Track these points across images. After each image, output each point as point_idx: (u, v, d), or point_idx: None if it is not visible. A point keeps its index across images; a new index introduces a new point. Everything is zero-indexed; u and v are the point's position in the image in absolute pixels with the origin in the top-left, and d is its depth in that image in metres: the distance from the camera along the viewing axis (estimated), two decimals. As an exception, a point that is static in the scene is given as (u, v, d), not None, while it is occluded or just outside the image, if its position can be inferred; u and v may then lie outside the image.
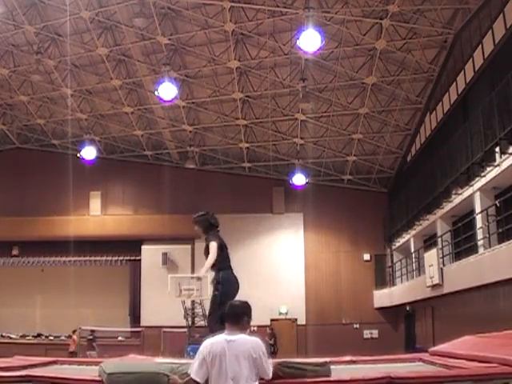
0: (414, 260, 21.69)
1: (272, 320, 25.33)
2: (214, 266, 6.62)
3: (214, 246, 6.63)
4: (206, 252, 6.76)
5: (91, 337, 22.56)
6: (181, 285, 23.28)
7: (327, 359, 5.29)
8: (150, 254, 26.83)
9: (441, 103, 19.15)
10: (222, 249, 6.73)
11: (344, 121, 22.95)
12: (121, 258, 27.12)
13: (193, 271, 26.17)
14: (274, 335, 23.16)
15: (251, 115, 23.30)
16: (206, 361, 4.17)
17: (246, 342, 4.21)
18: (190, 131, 24.89)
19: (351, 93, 21.26)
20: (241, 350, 4.15)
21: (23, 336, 26.02)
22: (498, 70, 14.25)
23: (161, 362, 5.92)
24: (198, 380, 4.18)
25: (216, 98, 22.53)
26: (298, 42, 16.40)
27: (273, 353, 21.32)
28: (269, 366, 4.33)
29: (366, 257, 26.61)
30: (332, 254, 26.65)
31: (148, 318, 25.94)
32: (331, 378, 4.90)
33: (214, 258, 6.50)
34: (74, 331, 22.97)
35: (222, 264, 6.67)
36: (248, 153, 26.13)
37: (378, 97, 21.19)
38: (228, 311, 4.45)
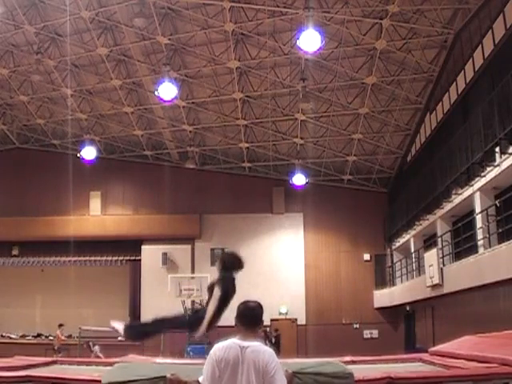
0: (413, 260, 21.69)
1: (272, 320, 25.32)
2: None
3: (216, 297, 5.69)
4: (209, 290, 5.93)
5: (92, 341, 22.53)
6: (181, 285, 23.29)
7: (348, 368, 5.03)
8: (150, 253, 26.83)
9: (441, 103, 19.15)
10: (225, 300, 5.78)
11: (344, 121, 22.95)
12: (121, 258, 27.11)
13: (193, 271, 26.20)
14: (278, 337, 22.75)
15: (251, 115, 23.30)
16: (217, 367, 3.79)
17: (260, 351, 3.80)
18: (190, 131, 24.89)
19: (351, 93, 21.25)
20: (255, 359, 3.76)
21: (23, 336, 26.00)
22: (497, 70, 14.25)
23: (161, 363, 5.91)
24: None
25: (216, 97, 22.53)
26: (298, 42, 16.38)
27: None
28: (283, 381, 3.85)
29: (366, 257, 26.61)
30: (332, 254, 26.65)
31: (148, 318, 25.92)
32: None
33: (211, 316, 5.68)
34: (59, 325, 22.71)
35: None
36: (248, 153, 26.13)
37: (378, 97, 21.18)
38: (244, 313, 3.95)
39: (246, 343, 3.82)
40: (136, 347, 22.59)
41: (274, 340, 22.24)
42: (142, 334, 6.19)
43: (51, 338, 25.42)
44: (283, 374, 3.87)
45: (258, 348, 3.81)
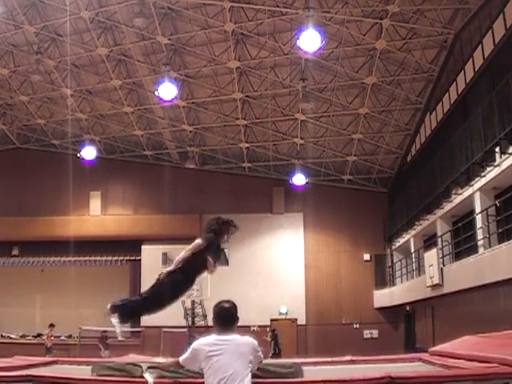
0: (413, 260, 21.69)
1: (272, 320, 25.34)
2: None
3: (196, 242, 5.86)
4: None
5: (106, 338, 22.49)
6: (181, 285, 23.26)
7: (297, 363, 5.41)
8: (150, 253, 26.82)
9: (441, 103, 19.15)
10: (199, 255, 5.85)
11: (344, 121, 22.95)
12: (121, 258, 27.12)
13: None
14: (276, 336, 22.63)
15: (251, 115, 23.30)
16: (197, 356, 4.30)
17: (241, 342, 4.31)
18: (190, 131, 24.89)
19: (351, 93, 21.25)
20: (237, 349, 4.24)
21: (23, 336, 26.00)
22: (497, 70, 14.26)
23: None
24: (183, 365, 4.46)
25: (216, 97, 22.53)
26: (298, 42, 16.40)
27: (274, 354, 21.18)
28: (261, 359, 4.55)
29: (366, 257, 26.60)
30: (332, 254, 26.65)
31: (148, 317, 25.89)
32: (332, 378, 4.89)
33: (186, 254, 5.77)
34: (50, 325, 22.63)
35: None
36: (248, 153, 26.14)
37: (378, 97, 21.19)
38: (221, 313, 4.44)
39: (226, 337, 4.30)
40: (136, 347, 22.64)
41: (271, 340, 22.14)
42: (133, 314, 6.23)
43: (51, 338, 25.45)
44: None
45: (238, 339, 4.30)
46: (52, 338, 22.37)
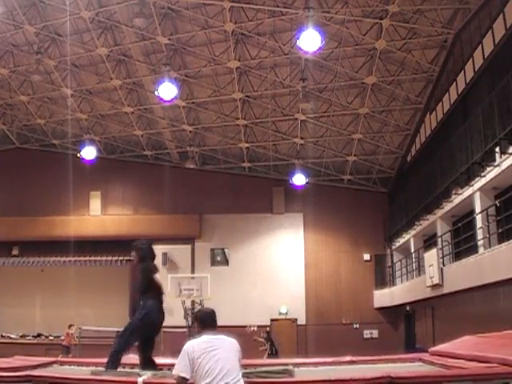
0: (414, 260, 21.69)
1: (272, 320, 25.34)
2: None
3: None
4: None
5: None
6: (181, 285, 23.29)
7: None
8: (150, 254, 26.79)
9: (441, 103, 19.15)
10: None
11: (344, 121, 22.95)
12: (121, 258, 27.07)
13: (193, 271, 26.20)
14: (270, 339, 22.52)
15: (251, 115, 23.30)
16: (192, 359, 4.51)
17: (231, 339, 4.76)
18: (190, 131, 24.89)
19: (351, 93, 21.25)
20: (231, 345, 4.70)
21: (23, 336, 25.99)
22: (497, 70, 14.25)
23: None
24: (184, 376, 4.54)
25: (216, 98, 22.53)
26: (298, 42, 16.39)
27: (271, 354, 21.15)
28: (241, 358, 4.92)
29: (366, 257, 26.60)
30: (332, 254, 26.64)
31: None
32: (332, 378, 4.89)
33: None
34: (69, 326, 22.71)
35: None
36: (248, 153, 26.13)
37: (378, 97, 21.18)
38: (207, 317, 4.93)
39: (217, 336, 4.71)
40: (136, 347, 22.61)
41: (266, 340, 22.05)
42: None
43: (51, 338, 25.48)
44: None
45: (227, 338, 4.74)
46: (73, 337, 22.48)
